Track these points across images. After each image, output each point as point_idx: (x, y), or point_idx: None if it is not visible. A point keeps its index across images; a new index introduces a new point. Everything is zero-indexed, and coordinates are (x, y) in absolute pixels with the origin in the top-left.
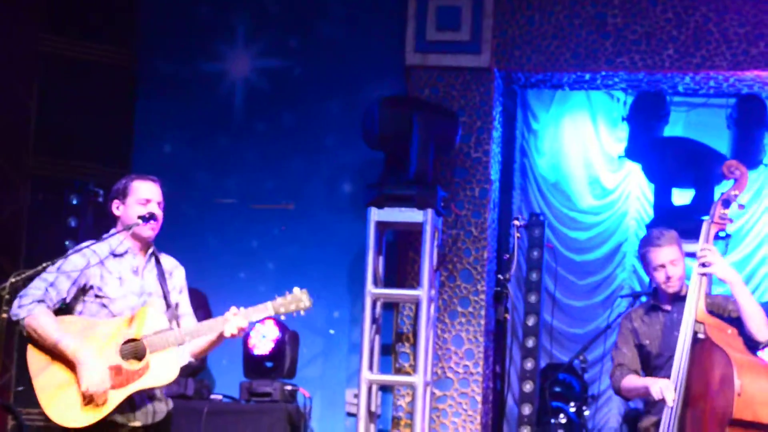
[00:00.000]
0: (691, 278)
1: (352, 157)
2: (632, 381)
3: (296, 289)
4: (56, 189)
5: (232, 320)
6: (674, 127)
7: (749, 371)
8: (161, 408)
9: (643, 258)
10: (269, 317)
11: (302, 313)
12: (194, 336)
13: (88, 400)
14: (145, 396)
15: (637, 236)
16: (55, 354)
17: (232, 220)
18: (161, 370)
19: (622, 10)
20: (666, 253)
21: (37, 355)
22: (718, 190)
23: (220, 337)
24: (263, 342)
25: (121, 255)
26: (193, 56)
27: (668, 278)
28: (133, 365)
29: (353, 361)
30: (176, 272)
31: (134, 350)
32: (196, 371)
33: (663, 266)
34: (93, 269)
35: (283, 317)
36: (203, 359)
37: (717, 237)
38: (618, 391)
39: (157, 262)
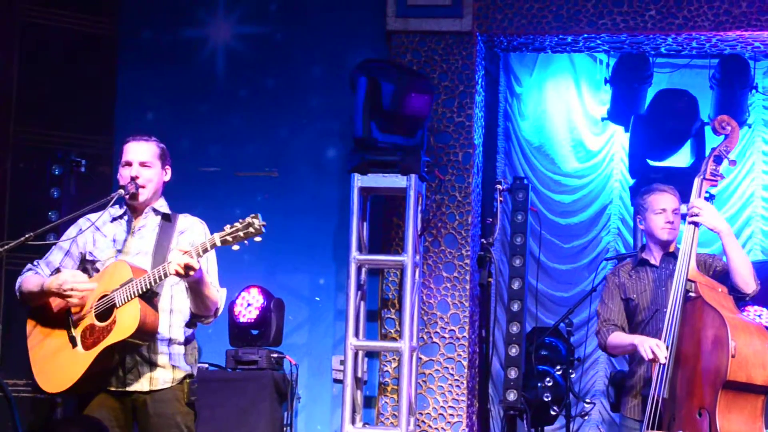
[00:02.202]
0: (682, 237)
1: (335, 122)
2: (619, 337)
3: (250, 216)
4: (38, 159)
5: (175, 257)
6: (657, 89)
7: (743, 332)
8: (162, 376)
9: (642, 204)
10: (216, 246)
11: (256, 239)
12: (153, 283)
13: (57, 362)
14: (140, 360)
15: (621, 198)
16: (46, 327)
17: (216, 188)
18: (124, 324)
19: None
20: (669, 200)
21: (33, 336)
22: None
23: (189, 285)
24: (248, 310)
25: (120, 217)
26: (174, 23)
27: (668, 222)
28: (103, 322)
29: (339, 327)
30: (190, 230)
31: (105, 306)
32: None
33: (664, 210)
34: (86, 235)
35: (235, 247)
36: (209, 312)
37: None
38: (604, 348)
39: (168, 221)
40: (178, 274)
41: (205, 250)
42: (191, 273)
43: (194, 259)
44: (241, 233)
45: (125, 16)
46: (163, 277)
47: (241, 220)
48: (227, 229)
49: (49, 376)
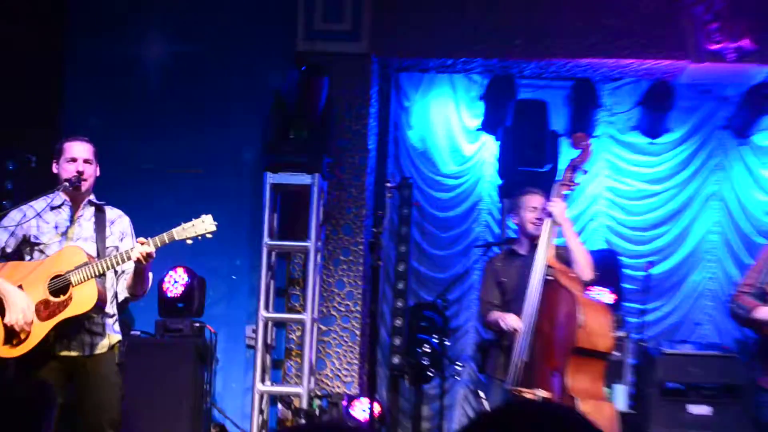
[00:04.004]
0: (542, 230)
1: (251, 128)
2: (493, 315)
3: (203, 216)
4: None
5: (137, 247)
6: None
7: (590, 309)
8: (100, 342)
9: (517, 203)
10: (174, 242)
11: (208, 235)
12: (110, 266)
13: (12, 332)
14: (83, 329)
15: (490, 196)
16: None
17: (150, 183)
18: (81, 300)
19: (478, 4)
20: (538, 200)
21: None
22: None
23: (138, 269)
24: (175, 286)
25: (58, 207)
26: (114, 40)
27: (537, 218)
28: (58, 298)
29: (252, 302)
30: (118, 221)
31: (60, 284)
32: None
33: (536, 208)
34: (31, 221)
35: (189, 241)
36: (143, 292)
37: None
38: (486, 325)
39: (100, 211)
40: (138, 260)
41: (163, 243)
42: (149, 260)
43: (153, 249)
44: (192, 231)
45: (71, 32)
46: (123, 262)
47: (195, 219)
48: (182, 225)
49: (3, 343)
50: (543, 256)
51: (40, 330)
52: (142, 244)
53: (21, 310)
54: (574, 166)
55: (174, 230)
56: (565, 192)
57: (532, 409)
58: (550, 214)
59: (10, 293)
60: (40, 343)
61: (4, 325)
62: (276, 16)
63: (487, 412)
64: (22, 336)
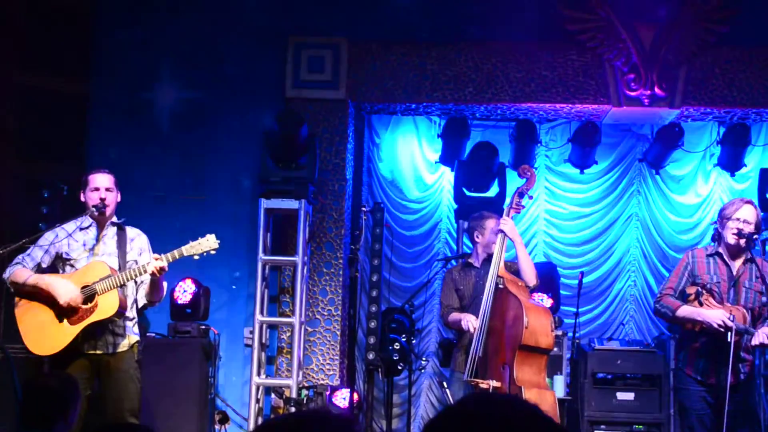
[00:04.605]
0: (495, 246)
1: (248, 161)
2: (454, 316)
3: (207, 235)
4: (32, 185)
5: (152, 262)
6: (473, 142)
7: (533, 312)
8: (121, 342)
9: (481, 224)
10: (183, 258)
11: (212, 252)
12: (130, 278)
13: (66, 311)
14: (107, 330)
15: (448, 218)
16: (33, 302)
17: (162, 208)
18: (106, 306)
19: (437, 59)
20: (495, 221)
21: (21, 307)
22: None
23: (153, 280)
24: (184, 294)
25: (86, 228)
26: (132, 89)
27: (492, 243)
28: (86, 305)
29: (249, 307)
30: (137, 239)
31: (88, 293)
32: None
33: (498, 232)
34: (62, 240)
35: (196, 257)
36: (159, 299)
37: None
38: (447, 324)
39: (121, 230)
40: (153, 273)
41: (174, 258)
42: (162, 273)
43: (166, 263)
44: (197, 248)
45: (95, 80)
46: (141, 275)
47: (200, 237)
48: (190, 243)
49: (40, 343)
50: (496, 268)
51: (70, 332)
52: (157, 259)
53: (69, 291)
54: (521, 192)
55: (183, 247)
56: (513, 214)
57: (490, 401)
58: (502, 231)
59: (54, 282)
60: (70, 343)
61: (60, 307)
62: (268, 68)
63: (450, 406)
64: (74, 315)
